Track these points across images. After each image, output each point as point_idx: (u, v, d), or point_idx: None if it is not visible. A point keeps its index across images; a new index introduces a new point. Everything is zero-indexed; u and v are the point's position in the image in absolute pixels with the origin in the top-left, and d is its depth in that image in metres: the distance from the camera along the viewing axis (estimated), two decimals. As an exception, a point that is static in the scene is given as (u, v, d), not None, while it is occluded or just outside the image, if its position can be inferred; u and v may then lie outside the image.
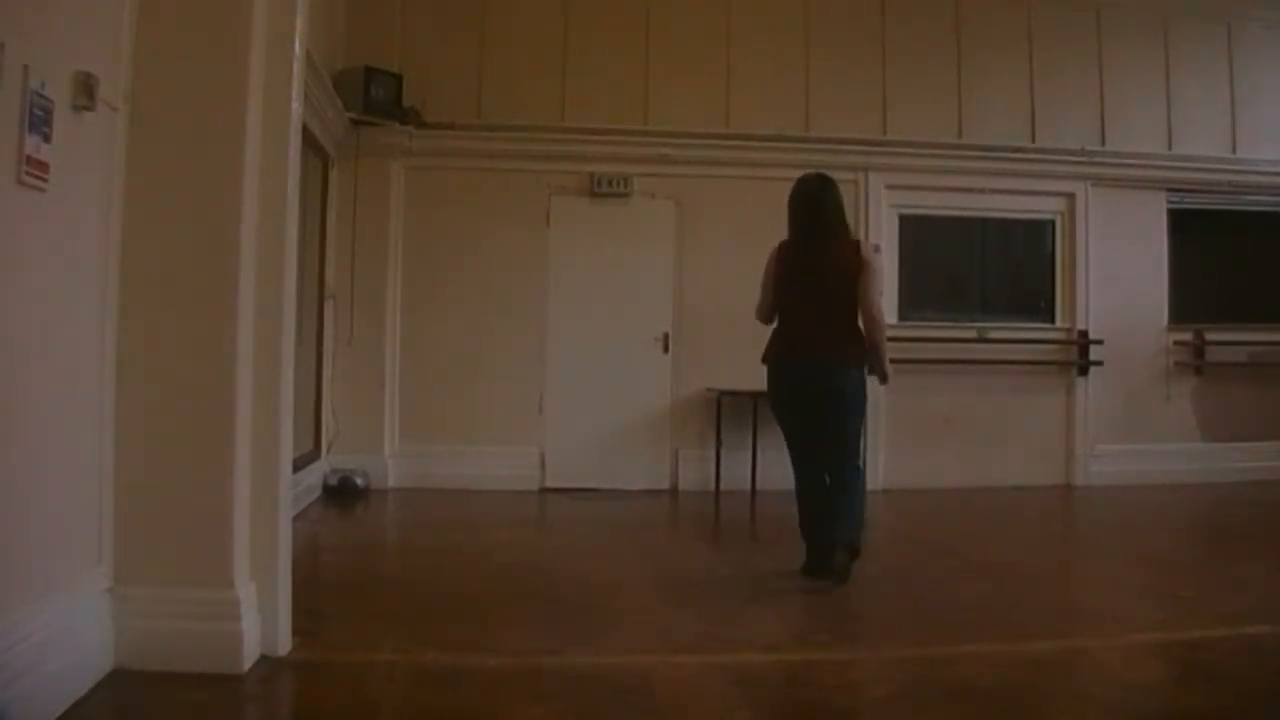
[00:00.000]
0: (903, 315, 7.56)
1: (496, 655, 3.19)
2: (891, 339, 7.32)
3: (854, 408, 4.37)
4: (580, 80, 7.26)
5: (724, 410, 6.97)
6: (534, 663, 3.16)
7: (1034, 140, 7.65)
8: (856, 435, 4.47)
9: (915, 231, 7.67)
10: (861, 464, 4.58)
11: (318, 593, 3.93)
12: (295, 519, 4.15)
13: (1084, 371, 7.68)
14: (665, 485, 7.23)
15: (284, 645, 3.11)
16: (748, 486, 6.77)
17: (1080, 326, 7.71)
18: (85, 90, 2.62)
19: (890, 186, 7.53)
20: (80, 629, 2.70)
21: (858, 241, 4.56)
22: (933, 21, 7.60)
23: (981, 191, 7.58)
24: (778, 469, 5.07)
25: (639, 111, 7.32)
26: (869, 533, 6.35)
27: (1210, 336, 7.85)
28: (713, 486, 7.04)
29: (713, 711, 2.83)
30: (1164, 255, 7.86)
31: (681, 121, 7.25)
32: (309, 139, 5.75)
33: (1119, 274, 7.70)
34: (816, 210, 4.36)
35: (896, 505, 6.92)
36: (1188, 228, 7.91)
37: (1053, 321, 7.79)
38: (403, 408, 7.13)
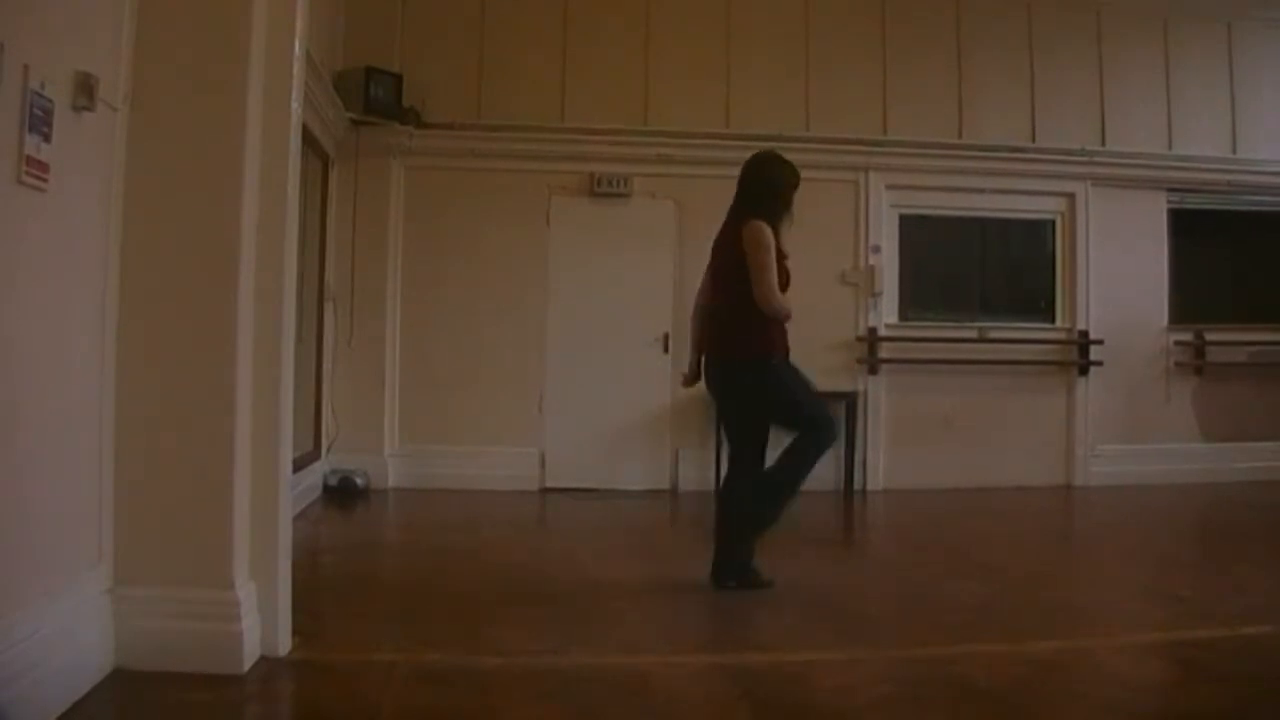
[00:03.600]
0: (903, 315, 7.59)
1: (496, 655, 3.19)
2: (892, 339, 7.47)
3: None
4: (580, 80, 7.26)
5: (724, 410, 6.96)
6: (534, 663, 3.15)
7: (1034, 140, 7.64)
8: None
9: (915, 231, 7.67)
10: None
11: (318, 593, 3.92)
12: (295, 519, 4.15)
13: (1084, 371, 7.67)
14: (665, 485, 7.23)
15: (284, 645, 3.11)
16: (748, 486, 6.76)
17: (1080, 326, 7.70)
18: (85, 90, 2.62)
19: (890, 186, 7.53)
20: (80, 629, 2.70)
21: None
22: (932, 21, 7.60)
23: (981, 191, 7.58)
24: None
25: (639, 111, 7.32)
26: (863, 531, 6.40)
27: (1210, 336, 7.85)
28: (713, 486, 7.01)
29: (712, 711, 2.84)
30: (1164, 255, 7.86)
31: (681, 121, 7.25)
32: (309, 139, 5.74)
33: (1119, 274, 7.69)
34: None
35: (896, 505, 6.92)
36: (1188, 228, 7.91)
37: (1053, 321, 7.79)
38: (403, 408, 7.13)
